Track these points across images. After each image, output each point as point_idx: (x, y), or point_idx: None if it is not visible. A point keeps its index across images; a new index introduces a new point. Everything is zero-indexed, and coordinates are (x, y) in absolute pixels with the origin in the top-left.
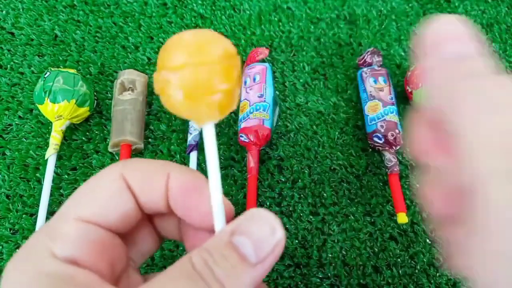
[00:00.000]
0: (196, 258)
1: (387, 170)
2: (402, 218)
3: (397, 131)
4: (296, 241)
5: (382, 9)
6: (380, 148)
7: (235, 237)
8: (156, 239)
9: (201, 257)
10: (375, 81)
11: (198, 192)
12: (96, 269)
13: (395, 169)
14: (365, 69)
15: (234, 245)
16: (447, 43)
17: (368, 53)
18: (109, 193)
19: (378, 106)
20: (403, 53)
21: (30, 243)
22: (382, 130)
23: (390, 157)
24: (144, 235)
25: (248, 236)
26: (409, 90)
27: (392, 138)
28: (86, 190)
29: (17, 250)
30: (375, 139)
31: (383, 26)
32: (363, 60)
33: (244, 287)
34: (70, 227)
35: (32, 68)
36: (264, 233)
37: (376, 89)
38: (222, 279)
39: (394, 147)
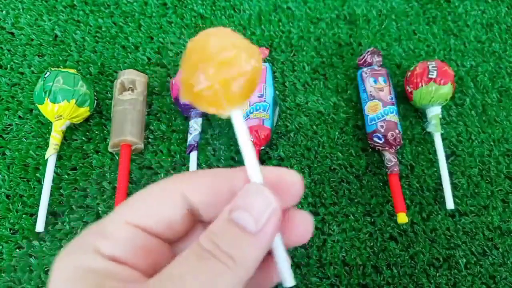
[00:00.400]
0: (203, 239)
1: (387, 170)
2: (402, 218)
3: (397, 131)
4: None
5: (382, 9)
6: (380, 148)
7: (233, 213)
8: None
9: (207, 238)
10: (375, 81)
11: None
12: (139, 269)
13: (395, 169)
14: (365, 69)
15: (234, 220)
16: None
17: (368, 53)
18: (161, 204)
19: (378, 106)
20: (403, 53)
21: (79, 240)
22: (382, 130)
23: (390, 157)
24: (194, 239)
25: (245, 209)
26: (409, 90)
27: (392, 138)
28: (141, 196)
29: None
30: (375, 139)
31: (383, 26)
32: (363, 60)
33: (250, 256)
34: (119, 229)
35: (32, 68)
36: (259, 204)
37: (376, 89)
38: (229, 250)
39: (394, 147)
